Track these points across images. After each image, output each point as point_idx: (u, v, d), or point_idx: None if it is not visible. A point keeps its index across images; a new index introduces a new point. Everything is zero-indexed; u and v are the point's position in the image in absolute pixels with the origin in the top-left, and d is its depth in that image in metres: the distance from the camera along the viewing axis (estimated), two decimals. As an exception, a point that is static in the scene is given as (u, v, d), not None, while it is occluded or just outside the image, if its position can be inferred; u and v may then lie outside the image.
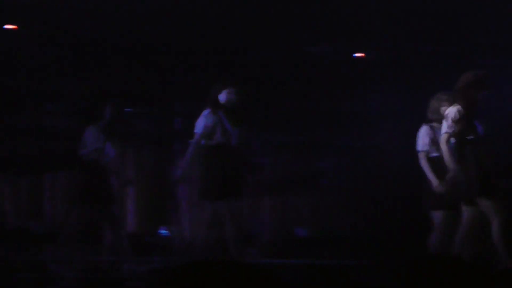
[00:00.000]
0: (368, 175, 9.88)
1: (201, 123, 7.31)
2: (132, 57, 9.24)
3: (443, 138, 6.70)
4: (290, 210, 10.03)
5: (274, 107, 10.09)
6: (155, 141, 9.66)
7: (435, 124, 7.23)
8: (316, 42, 9.23)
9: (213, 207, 7.33)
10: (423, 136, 7.29)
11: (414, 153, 9.49)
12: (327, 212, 10.04)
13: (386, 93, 9.47)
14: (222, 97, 7.36)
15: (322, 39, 9.16)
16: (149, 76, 9.44)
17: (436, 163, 7.15)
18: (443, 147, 6.70)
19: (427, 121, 7.32)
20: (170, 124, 9.74)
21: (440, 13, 8.57)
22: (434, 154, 7.20)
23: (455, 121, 6.65)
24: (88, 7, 8.11)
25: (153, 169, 9.69)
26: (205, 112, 7.35)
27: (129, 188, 9.43)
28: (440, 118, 7.18)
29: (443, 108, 7.18)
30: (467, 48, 9.13)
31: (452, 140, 6.68)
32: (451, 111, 6.69)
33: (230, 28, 8.92)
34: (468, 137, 6.67)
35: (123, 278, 7.66)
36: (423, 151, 7.26)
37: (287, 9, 8.41)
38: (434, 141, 7.18)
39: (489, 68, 9.08)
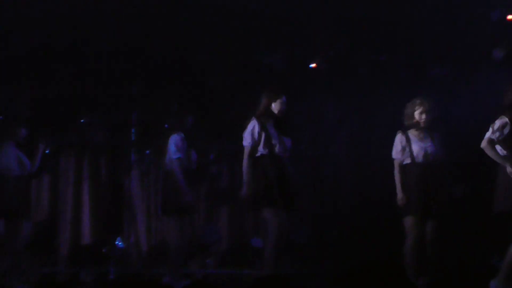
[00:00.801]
0: (324, 183, 9.95)
1: (250, 134, 7.06)
2: (84, 65, 9.17)
3: (486, 142, 6.75)
4: (247, 220, 10.05)
5: (230, 115, 10.12)
6: (111, 151, 9.63)
7: (411, 131, 7.29)
8: (269, 51, 9.28)
9: (261, 216, 7.10)
10: (396, 144, 7.32)
11: (364, 160, 9.64)
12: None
13: (338, 102, 9.55)
14: (276, 106, 7.14)
15: (276, 48, 9.22)
16: (104, 85, 9.39)
17: (408, 170, 7.25)
18: (488, 152, 6.76)
19: (403, 128, 7.34)
20: (126, 134, 9.70)
21: (391, 23, 8.69)
22: (407, 162, 7.26)
23: (497, 130, 6.71)
24: (40, 14, 8.04)
25: (109, 179, 9.66)
26: (253, 122, 7.09)
27: (84, 198, 9.40)
28: (414, 124, 7.29)
29: (416, 113, 7.28)
30: (417, 57, 9.25)
31: (498, 147, 6.74)
32: (497, 123, 6.72)
33: (185, 38, 8.93)
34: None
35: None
36: (395, 159, 7.30)
37: (240, 17, 8.45)
38: (407, 149, 7.27)
39: (440, 78, 9.28)
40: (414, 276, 6.98)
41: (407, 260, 7.17)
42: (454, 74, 9.24)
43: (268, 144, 7.02)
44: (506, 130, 6.70)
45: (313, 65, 9.32)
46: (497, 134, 6.72)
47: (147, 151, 9.87)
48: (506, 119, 6.71)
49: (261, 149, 7.03)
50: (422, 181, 7.20)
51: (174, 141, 7.78)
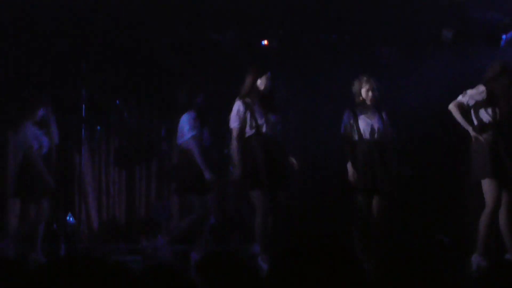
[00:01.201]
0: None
1: (236, 116, 7.01)
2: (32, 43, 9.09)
3: (454, 104, 6.83)
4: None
5: (180, 92, 10.11)
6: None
7: (359, 108, 7.39)
8: (220, 28, 9.28)
9: (259, 195, 7.01)
10: (343, 121, 7.42)
11: (313, 138, 9.71)
12: (234, 199, 10.15)
13: (288, 81, 9.61)
14: (262, 82, 7.04)
15: (226, 26, 9.23)
16: (52, 62, 9.31)
17: (355, 147, 7.36)
18: (454, 113, 6.82)
19: (351, 105, 7.44)
20: (76, 110, 9.65)
21: (342, 2, 8.77)
22: (354, 139, 7.37)
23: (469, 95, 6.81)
24: None
25: (60, 155, 9.60)
26: (237, 103, 7.03)
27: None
28: (361, 101, 7.38)
29: (363, 91, 7.38)
30: (367, 37, 9.35)
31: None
32: (473, 89, 6.83)
33: (135, 15, 8.90)
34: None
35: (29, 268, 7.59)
36: (343, 136, 7.41)
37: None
38: (353, 125, 7.36)
39: (388, 58, 9.39)
40: (363, 256, 7.13)
41: (355, 239, 7.31)
42: (402, 54, 9.37)
43: (254, 124, 7.00)
44: (479, 97, 6.80)
45: (265, 42, 9.35)
46: (467, 98, 6.82)
47: (98, 127, 9.85)
48: (483, 88, 6.82)
49: (248, 130, 7.02)
50: (369, 158, 7.31)
51: (187, 120, 7.67)
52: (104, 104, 9.59)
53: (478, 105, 6.83)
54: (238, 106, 7.05)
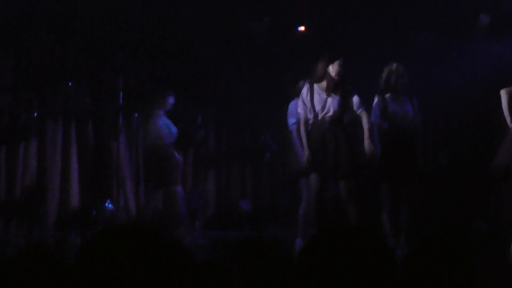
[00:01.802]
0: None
1: (301, 101, 7.11)
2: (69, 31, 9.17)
3: None
4: (235, 183, 10.15)
5: (217, 81, 10.17)
6: (98, 115, 9.65)
7: (389, 95, 7.39)
8: (255, 16, 9.30)
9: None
10: (374, 108, 7.41)
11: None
12: (271, 186, 10.20)
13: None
14: (333, 68, 7.11)
15: (261, 14, 9.24)
16: (90, 51, 9.40)
17: (384, 134, 7.35)
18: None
19: (381, 92, 7.43)
20: (114, 98, 9.73)
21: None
22: (385, 126, 7.38)
23: None
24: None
25: (97, 143, 9.69)
26: (305, 88, 7.14)
27: (72, 163, 9.45)
28: (390, 88, 7.36)
29: (393, 77, 7.35)
30: (402, 24, 9.31)
31: None
32: None
33: (169, 5, 8.95)
34: None
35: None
36: (375, 123, 7.37)
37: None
38: (384, 112, 7.35)
39: (425, 45, 9.33)
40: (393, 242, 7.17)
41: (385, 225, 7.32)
42: (439, 40, 9.31)
43: (313, 110, 7.09)
44: None
45: (301, 28, 9.35)
46: None
47: (136, 114, 9.93)
48: None
49: (309, 116, 7.12)
50: (398, 144, 7.28)
51: (292, 107, 7.78)
52: (142, 93, 9.66)
53: None
54: (304, 91, 7.16)
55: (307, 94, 7.12)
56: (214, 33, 9.45)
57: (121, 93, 9.44)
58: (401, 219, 7.28)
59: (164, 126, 8.24)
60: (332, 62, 7.10)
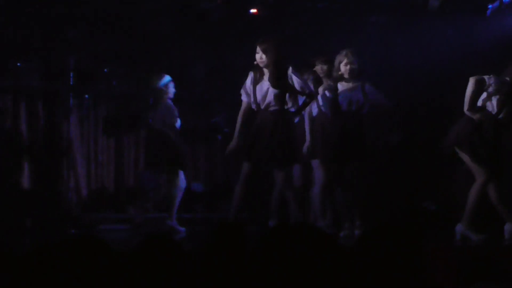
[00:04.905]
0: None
1: (244, 91, 7.16)
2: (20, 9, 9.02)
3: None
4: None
5: (170, 60, 10.11)
6: (49, 95, 9.54)
7: (340, 82, 7.43)
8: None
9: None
10: (322, 95, 7.52)
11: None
12: (223, 167, 10.20)
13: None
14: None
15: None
16: (40, 29, 9.25)
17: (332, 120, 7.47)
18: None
19: (332, 79, 7.49)
20: (64, 78, 9.61)
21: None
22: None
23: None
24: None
25: (47, 123, 9.58)
26: (249, 78, 7.13)
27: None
28: (340, 75, 7.43)
29: (342, 64, 7.41)
30: (355, 5, 9.35)
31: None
32: None
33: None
34: None
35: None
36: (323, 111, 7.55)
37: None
38: (332, 99, 7.43)
39: (377, 26, 9.40)
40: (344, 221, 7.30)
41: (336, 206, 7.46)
42: (390, 22, 9.38)
43: (255, 100, 7.13)
44: (499, 87, 6.84)
45: (253, 10, 9.33)
46: (491, 81, 6.85)
47: (86, 96, 9.85)
48: (508, 80, 6.87)
49: (253, 105, 7.15)
50: (344, 129, 7.37)
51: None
52: (92, 72, 9.56)
53: (492, 94, 6.89)
54: (248, 80, 7.19)
55: (250, 83, 7.10)
56: (168, 11, 9.38)
57: (71, 74, 9.36)
58: (350, 203, 7.40)
59: (173, 111, 8.31)
60: (276, 54, 7.02)
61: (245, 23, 9.49)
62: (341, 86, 7.42)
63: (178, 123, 8.33)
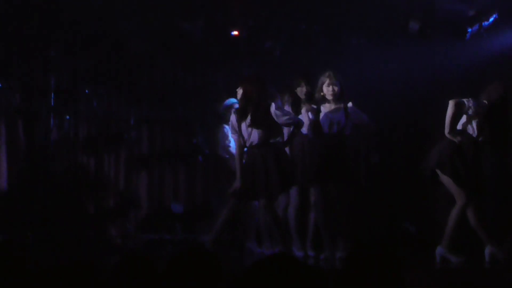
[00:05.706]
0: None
1: (232, 129, 7.25)
2: None
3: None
4: (167, 185, 10.10)
5: (150, 81, 10.11)
6: (29, 115, 9.49)
7: (323, 104, 7.47)
8: (189, 17, 9.27)
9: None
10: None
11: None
12: (204, 188, 10.17)
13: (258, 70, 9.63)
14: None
15: (196, 15, 9.22)
16: (20, 49, 9.23)
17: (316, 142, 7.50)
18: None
19: (315, 101, 7.54)
20: (45, 99, 9.57)
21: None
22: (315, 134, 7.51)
23: None
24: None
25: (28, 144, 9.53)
26: (233, 117, 7.19)
27: (2, 163, 9.30)
28: (322, 97, 7.45)
29: (324, 86, 7.44)
30: (335, 27, 9.41)
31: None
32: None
33: (105, 2, 8.86)
34: None
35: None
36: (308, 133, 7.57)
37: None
38: (314, 121, 7.45)
39: (356, 48, 9.46)
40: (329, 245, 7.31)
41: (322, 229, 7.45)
42: (370, 45, 9.45)
43: (242, 138, 7.21)
44: (478, 110, 6.91)
45: (235, 32, 9.38)
46: (470, 104, 6.93)
47: (67, 116, 9.80)
48: (486, 104, 6.95)
49: (242, 142, 7.20)
50: (326, 151, 7.38)
51: None
52: (73, 93, 9.53)
53: (472, 117, 6.94)
54: (233, 118, 7.29)
55: (235, 121, 7.17)
56: (149, 32, 9.39)
57: (52, 94, 9.32)
58: (331, 225, 7.39)
59: (227, 136, 8.27)
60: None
61: (226, 44, 9.53)
62: (323, 108, 7.44)
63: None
